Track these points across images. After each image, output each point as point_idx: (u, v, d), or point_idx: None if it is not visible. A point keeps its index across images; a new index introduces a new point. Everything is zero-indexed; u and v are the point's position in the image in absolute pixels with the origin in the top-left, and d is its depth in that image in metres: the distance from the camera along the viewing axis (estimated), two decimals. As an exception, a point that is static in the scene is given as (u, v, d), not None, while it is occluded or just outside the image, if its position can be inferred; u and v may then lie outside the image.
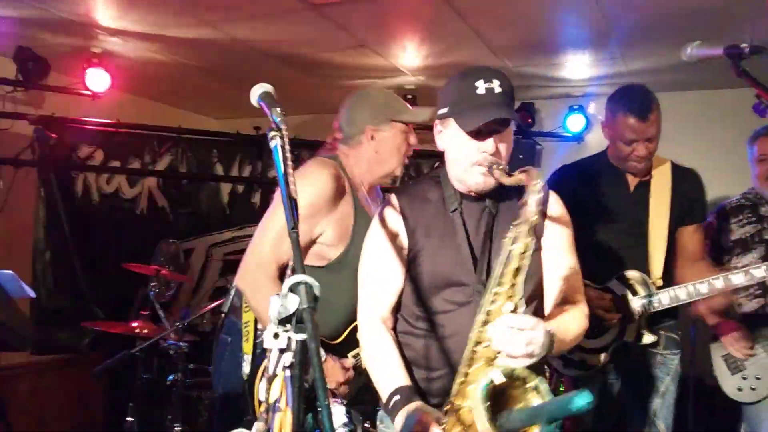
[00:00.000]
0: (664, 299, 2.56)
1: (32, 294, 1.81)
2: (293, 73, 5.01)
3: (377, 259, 1.94)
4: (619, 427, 2.78)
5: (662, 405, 2.65)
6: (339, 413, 1.24)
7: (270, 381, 1.23)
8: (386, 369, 1.83)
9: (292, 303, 1.22)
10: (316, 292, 1.24)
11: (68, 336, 4.80)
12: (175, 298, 5.10)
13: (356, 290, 2.00)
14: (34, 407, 4.66)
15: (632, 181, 2.66)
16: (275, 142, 1.48)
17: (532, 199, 1.62)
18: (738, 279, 2.52)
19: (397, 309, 1.96)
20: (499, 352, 1.61)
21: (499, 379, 1.53)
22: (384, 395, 1.78)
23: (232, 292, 2.58)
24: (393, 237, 1.91)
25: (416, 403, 1.71)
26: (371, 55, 4.54)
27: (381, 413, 2.00)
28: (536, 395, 1.56)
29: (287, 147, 1.49)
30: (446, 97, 1.87)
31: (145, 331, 3.64)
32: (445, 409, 1.71)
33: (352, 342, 2.28)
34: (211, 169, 5.37)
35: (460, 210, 1.88)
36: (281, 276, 2.20)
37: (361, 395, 2.27)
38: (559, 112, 5.34)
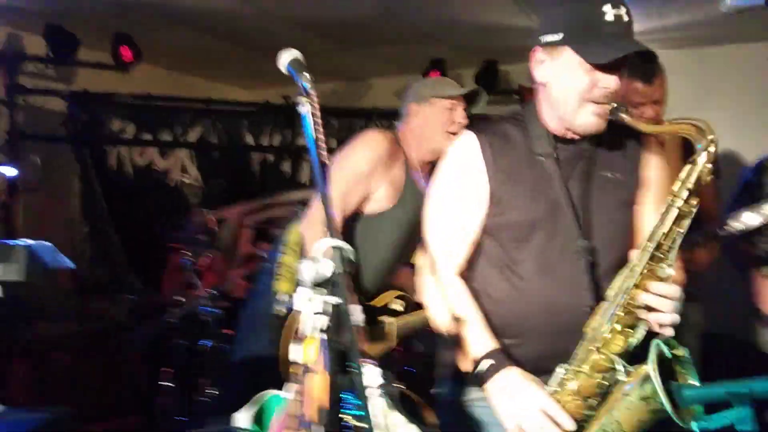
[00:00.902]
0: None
1: (71, 265, 1.85)
2: (321, 40, 4.98)
3: (453, 204, 1.70)
4: None
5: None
6: (375, 374, 1.25)
7: (305, 344, 1.25)
8: (472, 329, 1.60)
9: (327, 267, 1.22)
10: (351, 256, 1.25)
11: (107, 307, 4.92)
12: (209, 266, 5.18)
13: (389, 253, 2.05)
14: (74, 377, 4.79)
15: None
16: (305, 109, 1.48)
17: (702, 157, 1.48)
18: None
19: (470, 262, 1.73)
20: (641, 319, 1.49)
21: (666, 351, 1.39)
22: (471, 357, 1.58)
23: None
24: (472, 179, 1.67)
25: (513, 368, 1.55)
26: (399, 19, 4.48)
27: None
28: (685, 371, 1.42)
29: (317, 113, 1.49)
30: (559, 21, 1.59)
31: (181, 299, 3.71)
32: (562, 375, 1.53)
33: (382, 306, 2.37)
34: (242, 139, 5.39)
35: (556, 155, 1.64)
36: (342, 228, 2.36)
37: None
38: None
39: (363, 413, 1.15)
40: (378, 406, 1.23)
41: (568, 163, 1.65)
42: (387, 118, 5.51)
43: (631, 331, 1.50)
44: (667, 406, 1.32)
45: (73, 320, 4.54)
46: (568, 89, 1.59)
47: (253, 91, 6.71)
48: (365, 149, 2.47)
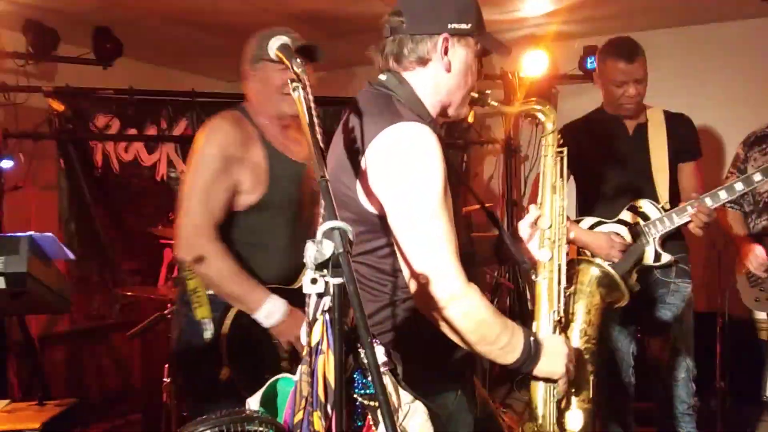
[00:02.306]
0: (675, 216, 2.76)
1: (71, 256, 1.84)
2: (304, 28, 4.95)
3: (443, 198, 1.55)
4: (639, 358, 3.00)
5: (680, 330, 2.86)
6: (379, 353, 1.27)
7: (310, 325, 1.26)
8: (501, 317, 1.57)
9: (328, 248, 1.23)
10: (351, 236, 1.25)
11: (100, 303, 4.91)
12: (201, 260, 5.17)
13: (287, 231, 2.02)
14: (71, 375, 4.78)
15: (630, 126, 2.93)
16: (297, 93, 1.48)
17: (549, 124, 1.79)
18: (739, 186, 2.72)
19: None
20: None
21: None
22: (515, 347, 1.55)
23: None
24: (442, 165, 1.58)
25: (547, 336, 1.69)
26: (382, 6, 4.48)
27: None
28: None
29: (310, 97, 1.49)
30: (468, 12, 1.66)
31: (176, 294, 3.70)
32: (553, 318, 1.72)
33: None
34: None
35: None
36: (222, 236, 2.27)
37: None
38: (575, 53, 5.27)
39: (372, 392, 1.16)
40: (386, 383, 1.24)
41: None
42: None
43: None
44: (620, 283, 1.74)
45: (72, 314, 4.54)
46: (467, 78, 1.68)
47: (236, 84, 6.67)
48: (209, 146, 2.31)
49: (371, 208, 1.59)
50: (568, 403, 1.76)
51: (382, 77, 1.72)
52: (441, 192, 1.53)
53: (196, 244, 2.26)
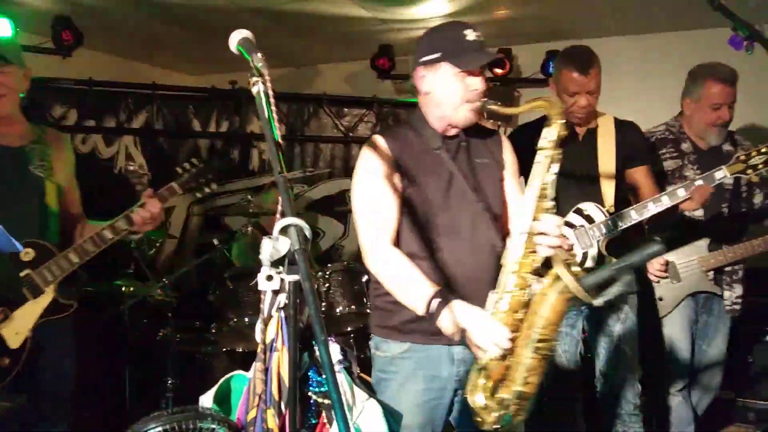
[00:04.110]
0: (617, 220, 2.84)
1: (21, 248, 1.80)
2: (267, 25, 4.92)
3: (374, 191, 2.04)
4: (585, 357, 3.07)
5: (624, 330, 2.90)
6: (334, 351, 1.26)
7: (265, 322, 1.25)
8: (414, 279, 1.93)
9: (284, 245, 1.22)
10: (307, 233, 1.25)
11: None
12: (159, 255, 5.09)
13: None
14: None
15: (580, 131, 2.99)
16: (257, 87, 1.47)
17: (559, 122, 1.87)
18: (681, 192, 2.82)
19: (397, 237, 2.08)
20: (539, 244, 1.85)
21: (565, 256, 1.80)
22: (420, 302, 1.88)
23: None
24: (385, 165, 2.04)
25: (459, 300, 1.86)
26: (349, 5, 4.47)
27: (376, 340, 2.12)
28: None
29: (270, 93, 1.48)
30: (435, 45, 2.06)
31: (132, 288, 3.65)
32: (494, 299, 1.87)
33: None
34: (188, 125, 5.30)
35: (445, 146, 2.10)
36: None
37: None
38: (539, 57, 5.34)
39: (326, 390, 1.16)
40: (341, 382, 1.24)
41: (451, 151, 2.12)
42: (336, 104, 5.53)
43: (533, 253, 1.87)
44: (578, 292, 1.69)
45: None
46: (449, 94, 2.04)
47: (198, 77, 6.60)
48: None
49: None
50: (503, 381, 1.83)
51: None
52: (365, 183, 2.05)
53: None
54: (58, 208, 2.62)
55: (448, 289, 1.95)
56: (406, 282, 1.94)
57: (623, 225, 2.83)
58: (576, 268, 1.78)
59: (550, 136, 1.89)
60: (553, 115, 1.89)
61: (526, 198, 1.89)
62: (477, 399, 1.82)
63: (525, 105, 1.98)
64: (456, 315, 1.84)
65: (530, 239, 1.87)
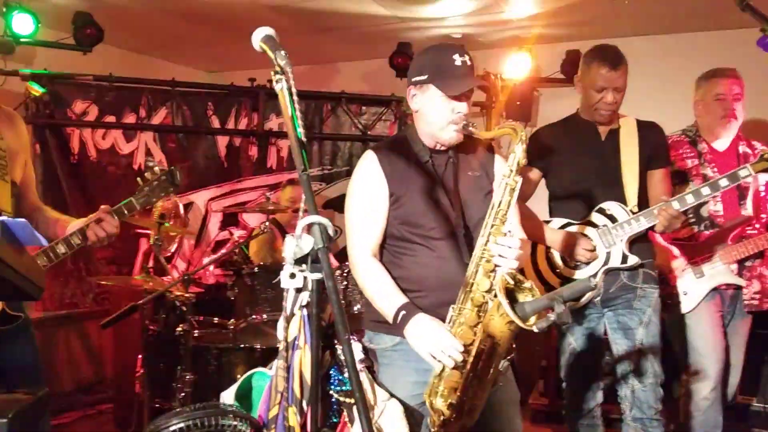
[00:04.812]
0: (642, 220, 2.83)
1: (44, 242, 1.81)
2: (286, 22, 4.93)
3: (364, 204, 2.22)
4: (607, 362, 3.08)
5: (646, 334, 2.87)
6: (356, 350, 1.26)
7: (288, 320, 1.25)
8: (386, 292, 2.12)
9: (307, 243, 1.22)
10: (330, 231, 1.25)
11: (74, 291, 4.84)
12: (178, 251, 5.13)
13: None
14: (42, 363, 4.70)
15: (603, 132, 2.98)
16: (281, 85, 1.47)
17: (519, 148, 1.99)
18: (706, 191, 2.84)
19: (382, 245, 2.24)
20: (497, 266, 1.97)
21: (510, 281, 1.87)
22: (389, 313, 2.07)
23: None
24: (376, 184, 2.19)
25: (421, 314, 2.03)
26: (368, 2, 4.47)
27: (369, 334, 2.23)
28: (531, 294, 1.89)
29: (293, 89, 1.48)
30: (424, 67, 2.17)
31: (150, 284, 3.66)
32: (452, 314, 2.02)
33: None
34: (207, 122, 5.33)
35: (432, 161, 2.22)
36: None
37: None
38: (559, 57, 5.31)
39: (348, 388, 1.16)
40: (363, 380, 1.24)
41: (440, 165, 2.24)
42: (354, 102, 5.52)
43: (492, 273, 1.98)
44: (514, 318, 1.79)
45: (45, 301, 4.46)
46: (435, 115, 2.16)
47: (215, 75, 6.63)
48: None
49: None
50: (455, 390, 1.98)
51: None
52: (356, 197, 2.23)
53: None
54: (13, 210, 2.49)
55: (424, 293, 2.12)
56: (380, 293, 2.12)
57: (648, 224, 2.81)
58: (523, 280, 1.90)
59: (510, 162, 2.01)
60: (515, 141, 2.00)
61: (486, 220, 2.03)
62: (435, 402, 1.99)
63: (495, 131, 2.16)
64: (417, 325, 2.00)
65: (488, 258, 1.99)
